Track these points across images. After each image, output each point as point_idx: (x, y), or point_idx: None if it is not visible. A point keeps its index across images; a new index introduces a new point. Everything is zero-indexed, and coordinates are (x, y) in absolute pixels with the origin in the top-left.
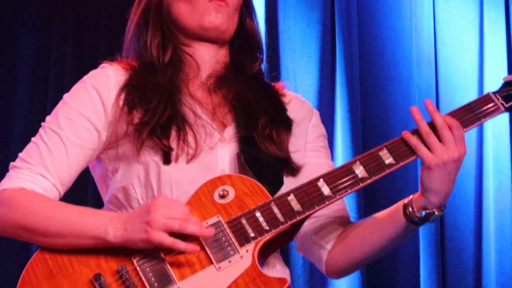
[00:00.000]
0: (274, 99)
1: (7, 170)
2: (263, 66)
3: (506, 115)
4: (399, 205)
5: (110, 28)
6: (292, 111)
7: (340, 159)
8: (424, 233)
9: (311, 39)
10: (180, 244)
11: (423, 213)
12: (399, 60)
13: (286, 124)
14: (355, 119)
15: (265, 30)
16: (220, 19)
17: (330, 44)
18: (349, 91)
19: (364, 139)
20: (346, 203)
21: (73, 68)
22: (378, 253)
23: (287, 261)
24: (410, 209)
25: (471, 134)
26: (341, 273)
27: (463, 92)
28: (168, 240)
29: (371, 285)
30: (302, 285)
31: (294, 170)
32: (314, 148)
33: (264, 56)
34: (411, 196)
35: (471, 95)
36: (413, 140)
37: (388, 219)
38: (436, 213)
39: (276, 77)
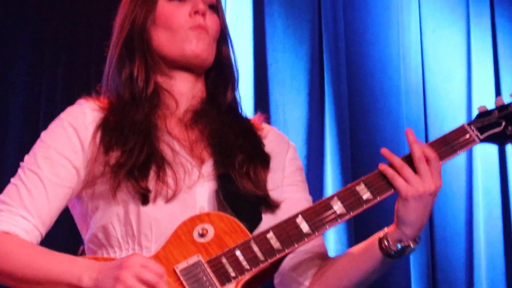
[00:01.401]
0: (250, 134)
1: None
2: (238, 97)
3: (495, 147)
4: (374, 238)
5: (101, 56)
6: (269, 145)
7: (330, 191)
8: (415, 265)
9: (300, 71)
10: None
11: (399, 246)
12: (387, 91)
13: (263, 160)
14: (344, 151)
15: (254, 63)
16: (201, 46)
17: (319, 77)
18: (338, 123)
19: (354, 170)
20: (338, 234)
21: (63, 96)
22: (356, 287)
23: None
24: (386, 243)
25: (460, 166)
26: None
27: (451, 122)
28: None
29: None
30: None
31: (272, 207)
32: (292, 182)
33: (253, 86)
34: (385, 229)
35: None
36: (390, 172)
37: (364, 253)
38: (412, 246)
39: (265, 110)
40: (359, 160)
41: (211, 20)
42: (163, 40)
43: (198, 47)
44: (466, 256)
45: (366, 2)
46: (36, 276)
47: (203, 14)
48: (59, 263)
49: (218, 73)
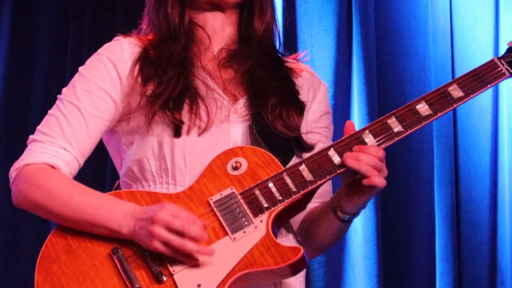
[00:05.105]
0: (285, 78)
1: (25, 143)
2: (275, 34)
3: None
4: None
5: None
6: (303, 86)
7: None
8: (439, 205)
9: (328, 12)
10: (190, 247)
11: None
12: (415, 33)
13: (297, 107)
14: (371, 91)
15: (282, 3)
16: None
17: (347, 18)
18: (365, 64)
19: (380, 111)
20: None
21: (90, 40)
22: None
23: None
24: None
25: (486, 107)
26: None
27: (478, 65)
28: (167, 252)
29: (386, 256)
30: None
31: (305, 149)
32: (316, 129)
33: (281, 27)
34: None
35: None
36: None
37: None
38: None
39: (293, 50)
40: (385, 100)
41: None
42: None
43: None
44: (490, 196)
45: None
46: (75, 217)
47: None
48: (99, 208)
49: (250, 10)
